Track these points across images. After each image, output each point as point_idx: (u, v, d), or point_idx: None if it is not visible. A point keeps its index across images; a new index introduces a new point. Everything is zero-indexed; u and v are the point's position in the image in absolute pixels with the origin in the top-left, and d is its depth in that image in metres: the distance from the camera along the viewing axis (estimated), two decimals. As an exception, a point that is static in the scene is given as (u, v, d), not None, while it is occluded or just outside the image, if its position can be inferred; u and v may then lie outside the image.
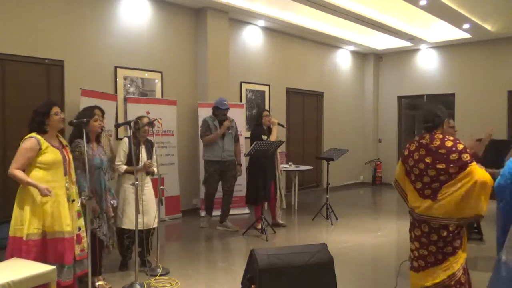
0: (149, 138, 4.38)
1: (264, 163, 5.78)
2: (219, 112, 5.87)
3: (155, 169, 4.28)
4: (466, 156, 2.79)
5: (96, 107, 3.76)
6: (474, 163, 2.81)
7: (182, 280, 4.04)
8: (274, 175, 6.09)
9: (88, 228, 3.24)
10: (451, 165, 2.79)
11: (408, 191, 3.04)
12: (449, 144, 2.85)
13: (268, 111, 6.24)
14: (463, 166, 2.78)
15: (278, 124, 6.09)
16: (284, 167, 7.55)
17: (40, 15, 5.40)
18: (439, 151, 2.85)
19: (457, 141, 2.88)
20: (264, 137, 5.90)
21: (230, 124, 5.87)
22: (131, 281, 3.82)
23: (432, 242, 2.89)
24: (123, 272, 4.23)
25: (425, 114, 3.05)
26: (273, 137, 5.93)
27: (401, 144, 11.03)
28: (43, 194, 2.99)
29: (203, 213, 6.44)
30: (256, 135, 5.91)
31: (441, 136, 2.93)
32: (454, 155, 2.80)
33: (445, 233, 2.85)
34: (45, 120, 3.15)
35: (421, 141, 2.98)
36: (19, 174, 3.02)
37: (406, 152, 3.06)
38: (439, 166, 2.83)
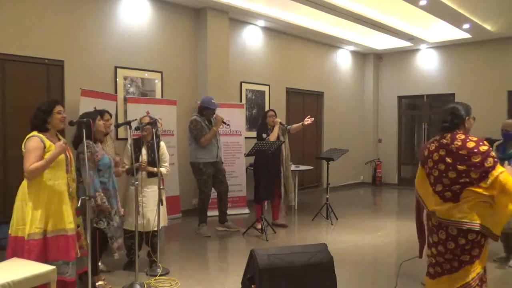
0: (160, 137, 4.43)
1: (267, 161, 5.82)
2: (209, 112, 5.69)
3: (151, 168, 4.26)
4: (490, 161, 2.61)
5: (105, 111, 3.94)
6: (498, 167, 2.63)
7: (182, 280, 4.04)
8: (279, 173, 6.10)
9: (88, 228, 3.24)
10: (472, 169, 2.63)
11: (427, 194, 2.87)
12: (471, 145, 2.67)
13: (274, 111, 6.22)
14: (485, 172, 2.60)
15: (280, 123, 6.12)
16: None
17: (40, 15, 5.40)
18: (460, 152, 2.68)
19: (480, 143, 2.70)
20: (264, 135, 5.96)
21: (222, 118, 5.67)
22: (131, 281, 3.81)
23: (449, 250, 2.74)
24: (123, 272, 4.23)
25: (443, 112, 2.86)
26: (272, 136, 5.96)
27: (401, 144, 11.04)
28: (62, 149, 3.04)
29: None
30: (258, 133, 6.11)
31: (463, 136, 2.74)
32: (476, 157, 2.63)
33: (463, 241, 2.69)
34: (47, 118, 3.16)
35: (441, 141, 2.81)
36: (36, 164, 3.00)
37: (425, 152, 2.89)
38: (460, 167, 2.67)
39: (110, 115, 4.06)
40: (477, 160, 2.63)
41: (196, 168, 5.71)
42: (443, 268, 2.79)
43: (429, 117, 10.63)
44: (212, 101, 5.73)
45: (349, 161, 9.92)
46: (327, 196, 6.81)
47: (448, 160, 2.72)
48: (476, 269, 2.73)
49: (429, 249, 2.91)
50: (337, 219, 6.74)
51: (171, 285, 3.93)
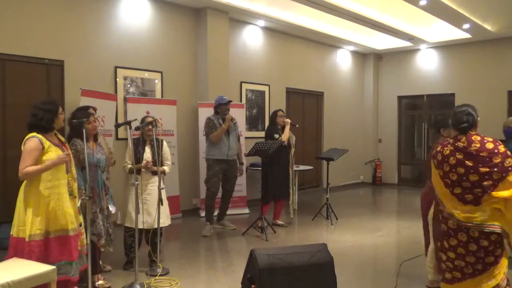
0: (159, 137, 4.42)
1: (276, 162, 5.86)
2: (223, 107, 5.80)
3: (155, 168, 4.27)
4: (509, 161, 2.59)
5: (90, 107, 3.83)
6: None
7: (182, 280, 4.04)
8: (287, 174, 6.12)
9: (88, 227, 3.24)
10: (495, 169, 2.58)
11: (444, 197, 2.77)
12: (490, 146, 2.64)
13: (283, 111, 6.24)
14: (505, 172, 2.57)
15: (291, 124, 6.12)
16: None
17: (40, 15, 5.40)
18: (481, 154, 2.63)
19: (498, 143, 2.67)
20: (276, 135, 5.97)
21: (232, 116, 5.80)
22: (131, 281, 3.82)
23: (471, 252, 2.64)
24: (123, 272, 4.22)
25: (457, 114, 2.79)
26: (284, 137, 5.98)
27: (401, 144, 11.04)
28: (63, 161, 3.08)
29: (203, 213, 6.40)
30: (269, 134, 6.09)
31: (479, 137, 2.70)
32: (496, 157, 2.59)
33: (485, 243, 2.60)
34: (54, 119, 3.16)
35: (456, 144, 2.72)
36: (31, 168, 2.99)
37: (439, 157, 2.79)
38: (482, 170, 2.60)
39: (95, 110, 3.97)
40: (498, 160, 2.60)
41: (207, 164, 5.88)
42: (464, 272, 2.69)
43: (429, 117, 10.64)
44: (224, 97, 5.88)
45: (349, 161, 9.91)
46: (327, 196, 6.81)
47: (469, 163, 2.64)
48: (503, 269, 2.66)
49: (444, 253, 2.80)
50: (337, 219, 6.74)
51: (171, 285, 3.93)
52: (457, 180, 2.68)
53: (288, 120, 6.11)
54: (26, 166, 2.99)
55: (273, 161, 5.85)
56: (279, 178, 5.97)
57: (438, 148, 2.83)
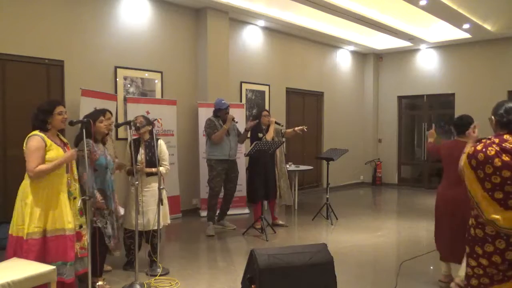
0: (158, 137, 4.40)
1: (264, 162, 5.86)
2: (221, 112, 5.86)
3: (149, 170, 4.22)
4: None
5: (106, 110, 3.85)
6: None
7: (182, 280, 4.04)
8: (274, 173, 6.17)
9: (88, 228, 3.24)
10: None
11: (483, 201, 2.57)
12: None
13: (268, 111, 6.33)
14: None
15: (276, 122, 6.18)
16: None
17: (40, 15, 5.40)
18: None
19: None
20: (260, 135, 6.00)
21: (233, 116, 5.84)
22: (131, 281, 3.82)
23: (507, 260, 2.49)
24: (123, 272, 4.22)
25: (509, 111, 2.58)
26: (269, 136, 6.03)
27: (401, 144, 11.04)
28: (73, 157, 3.12)
29: (203, 213, 6.41)
30: (253, 132, 6.12)
31: None
32: None
33: None
34: (47, 119, 3.16)
35: (503, 145, 2.52)
36: (43, 167, 3.02)
37: (481, 157, 2.55)
38: None
39: (111, 114, 4.02)
40: None
41: (208, 164, 5.90)
42: (493, 279, 2.56)
43: (429, 117, 10.64)
44: (223, 101, 5.90)
45: (349, 161, 9.92)
46: (327, 196, 6.81)
47: None
48: None
49: (474, 259, 2.63)
50: (337, 219, 6.74)
51: (171, 285, 3.93)
52: (499, 184, 2.49)
53: (273, 120, 6.19)
54: (36, 165, 3.01)
55: (256, 161, 5.87)
56: (264, 178, 5.97)
57: (479, 147, 2.60)
